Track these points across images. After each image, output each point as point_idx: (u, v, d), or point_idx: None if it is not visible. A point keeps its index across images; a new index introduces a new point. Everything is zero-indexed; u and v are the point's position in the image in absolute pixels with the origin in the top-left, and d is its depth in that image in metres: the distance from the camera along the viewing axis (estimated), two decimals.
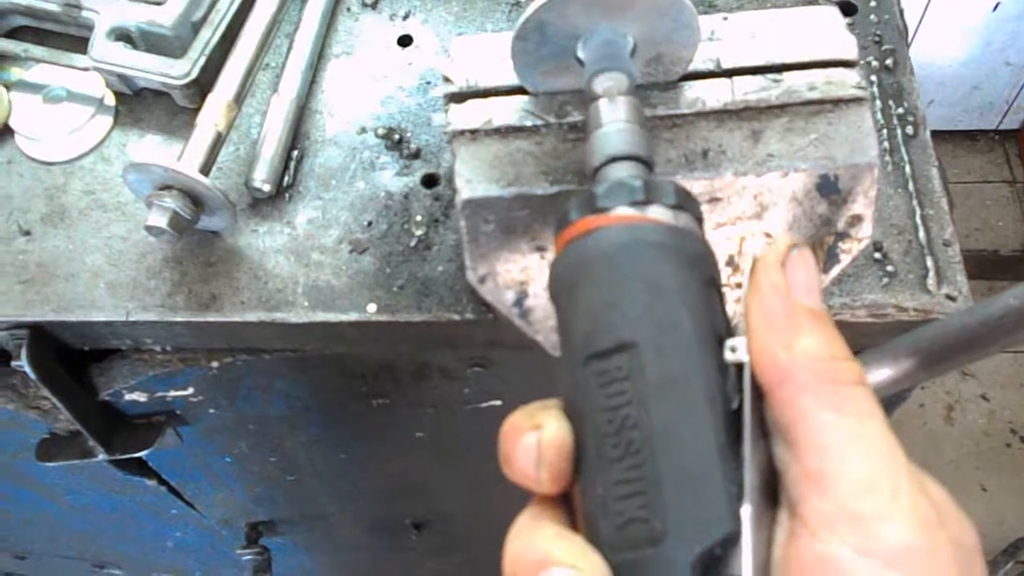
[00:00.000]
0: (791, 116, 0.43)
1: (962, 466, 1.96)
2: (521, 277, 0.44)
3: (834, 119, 0.43)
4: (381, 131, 0.70)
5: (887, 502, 0.30)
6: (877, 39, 0.71)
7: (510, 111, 0.44)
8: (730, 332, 0.35)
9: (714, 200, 0.43)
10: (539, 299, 0.45)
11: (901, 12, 0.74)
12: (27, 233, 0.68)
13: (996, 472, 1.96)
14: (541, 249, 0.44)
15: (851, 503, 0.29)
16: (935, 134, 0.67)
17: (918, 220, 0.64)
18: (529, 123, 0.43)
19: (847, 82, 0.43)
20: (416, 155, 0.68)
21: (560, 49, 0.41)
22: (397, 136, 0.69)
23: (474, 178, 0.43)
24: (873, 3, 0.73)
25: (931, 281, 0.61)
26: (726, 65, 0.44)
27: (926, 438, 1.99)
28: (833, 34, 0.44)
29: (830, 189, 0.43)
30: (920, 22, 1.94)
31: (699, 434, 0.32)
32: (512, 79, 0.43)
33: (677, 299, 0.33)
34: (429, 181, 0.67)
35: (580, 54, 0.41)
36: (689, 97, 0.43)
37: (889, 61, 0.70)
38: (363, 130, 0.70)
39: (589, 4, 0.38)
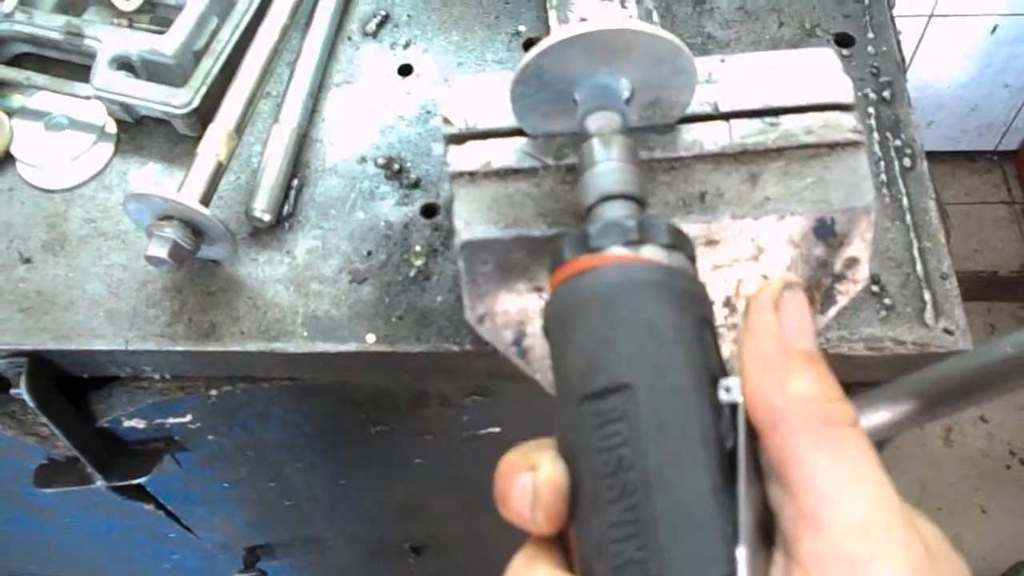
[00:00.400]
0: (788, 160, 0.43)
1: (961, 488, 1.96)
2: (519, 317, 0.45)
3: (831, 163, 0.43)
4: (381, 160, 0.70)
5: (880, 543, 0.30)
6: (875, 71, 0.72)
7: (509, 153, 0.44)
8: (724, 371, 0.35)
9: (711, 243, 0.43)
10: (537, 339, 0.45)
11: (899, 44, 0.74)
12: (27, 261, 0.68)
13: (995, 494, 1.95)
14: (539, 290, 0.44)
15: (845, 545, 0.30)
16: (934, 155, 0.67)
17: (915, 253, 0.64)
18: (527, 165, 0.44)
19: (844, 126, 0.43)
20: (416, 185, 0.69)
21: (559, 93, 0.41)
22: (397, 166, 0.70)
23: (473, 220, 0.43)
24: (870, 35, 0.74)
25: (929, 315, 0.61)
26: (723, 108, 0.44)
27: (925, 460, 1.99)
28: (830, 77, 0.45)
29: (827, 232, 0.43)
30: (919, 44, 1.95)
31: (694, 476, 0.32)
32: (511, 121, 0.44)
33: (671, 339, 0.34)
34: (428, 211, 0.68)
35: (578, 99, 0.41)
36: (687, 140, 0.44)
37: (887, 93, 0.70)
38: (363, 159, 0.70)
39: (588, 51, 0.38)
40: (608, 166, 0.39)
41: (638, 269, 0.35)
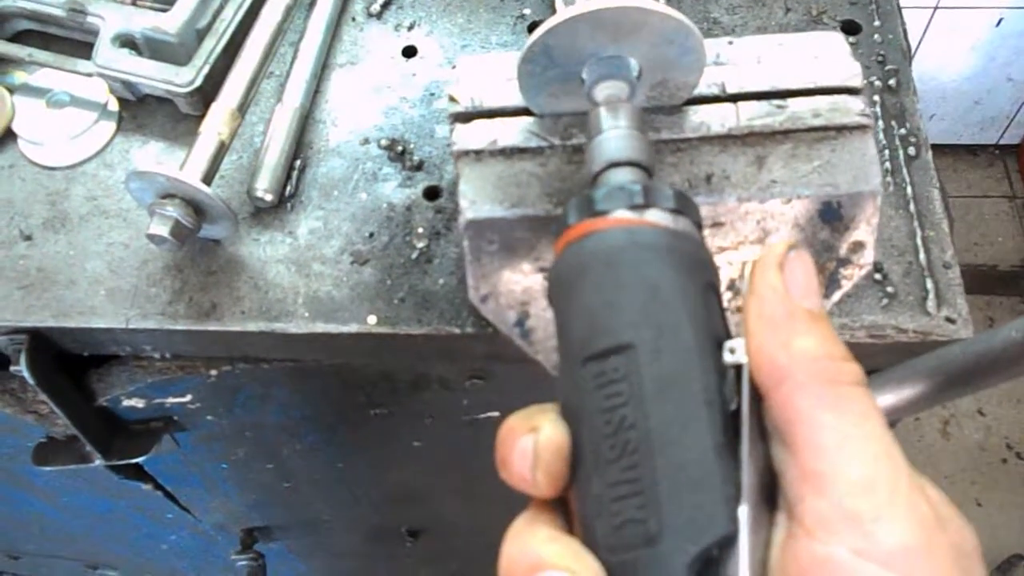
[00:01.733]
0: (795, 142, 0.43)
1: (957, 481, 1.97)
2: (523, 297, 0.44)
3: (837, 146, 0.43)
4: (384, 142, 0.70)
5: (885, 502, 0.29)
6: (880, 59, 0.71)
7: (515, 132, 0.44)
8: (729, 335, 0.35)
9: (717, 225, 0.43)
10: (540, 319, 0.45)
11: (905, 32, 0.74)
12: (28, 238, 0.68)
13: (991, 487, 1.96)
14: (544, 270, 0.44)
15: (848, 503, 0.29)
16: (936, 148, 0.67)
17: (919, 241, 0.64)
18: (534, 144, 0.43)
19: (851, 109, 0.43)
20: (419, 167, 0.68)
21: (566, 72, 0.41)
22: (400, 147, 0.69)
23: (478, 198, 0.43)
24: (877, 23, 0.73)
25: (931, 303, 0.61)
26: (731, 90, 0.44)
27: (922, 452, 1.99)
28: (839, 60, 0.44)
29: (832, 216, 0.43)
30: (923, 36, 1.95)
31: (696, 435, 0.32)
32: (518, 100, 0.43)
33: (675, 301, 0.34)
34: (431, 193, 0.67)
35: (585, 76, 0.41)
36: (694, 121, 0.43)
37: (892, 81, 0.70)
38: (366, 141, 0.70)
39: (596, 30, 0.38)
40: (615, 133, 0.39)
41: (642, 232, 0.35)
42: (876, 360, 0.63)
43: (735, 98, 0.44)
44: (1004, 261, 2.18)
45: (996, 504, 1.94)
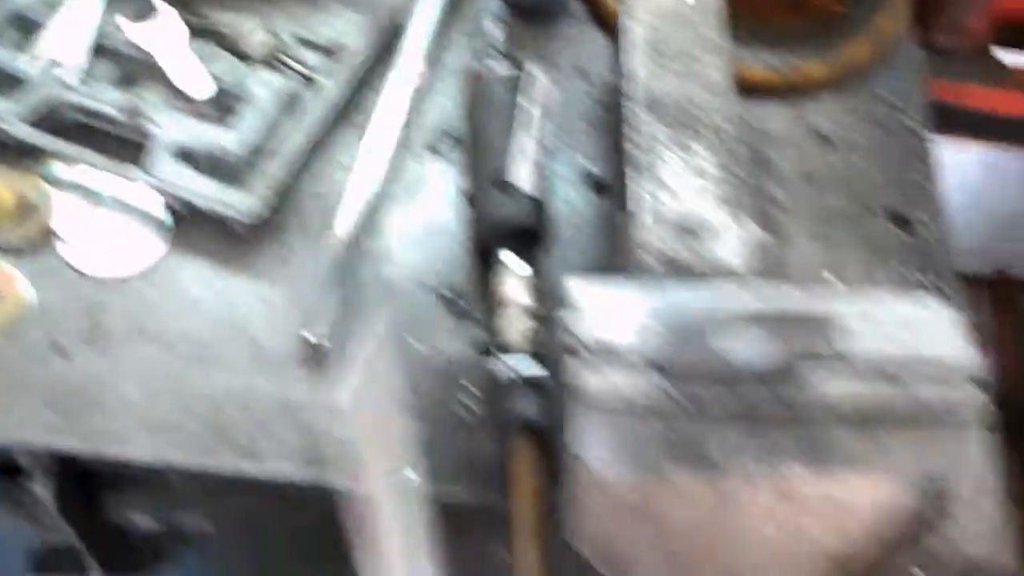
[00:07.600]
0: (905, 421, 0.43)
1: None
2: (631, 551, 0.44)
3: (946, 435, 0.43)
4: (439, 289, 0.69)
5: None
6: (927, 256, 0.73)
7: (640, 385, 0.42)
8: None
9: (815, 494, 0.43)
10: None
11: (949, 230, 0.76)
12: (62, 353, 0.65)
13: None
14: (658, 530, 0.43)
15: None
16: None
17: None
18: (658, 401, 0.43)
19: (966, 398, 0.43)
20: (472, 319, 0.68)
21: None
22: (455, 296, 0.68)
23: (600, 452, 0.41)
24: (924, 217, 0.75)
25: None
26: (844, 356, 0.44)
27: None
28: (956, 343, 0.45)
29: (928, 498, 0.43)
30: None
31: None
32: (643, 346, 0.43)
33: None
34: (484, 350, 0.66)
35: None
36: (803, 385, 0.43)
37: (940, 285, 0.71)
38: (420, 284, 0.69)
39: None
40: None
41: None
42: None
43: (848, 365, 0.44)
44: None
45: None
